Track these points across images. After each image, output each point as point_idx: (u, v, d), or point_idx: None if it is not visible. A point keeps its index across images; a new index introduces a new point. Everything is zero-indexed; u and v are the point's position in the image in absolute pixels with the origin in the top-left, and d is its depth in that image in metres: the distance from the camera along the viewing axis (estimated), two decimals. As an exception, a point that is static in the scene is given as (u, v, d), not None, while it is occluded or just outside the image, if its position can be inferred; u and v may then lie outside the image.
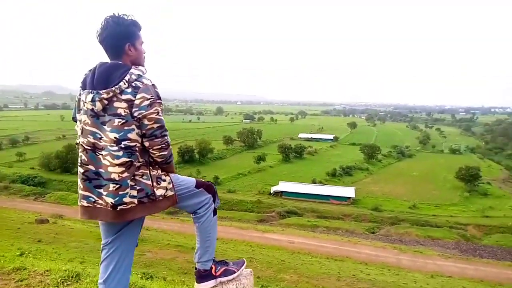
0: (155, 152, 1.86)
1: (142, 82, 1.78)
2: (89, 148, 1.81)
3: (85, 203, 1.84)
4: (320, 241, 24.10)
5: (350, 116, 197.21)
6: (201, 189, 2.10)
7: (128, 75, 1.77)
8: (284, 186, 42.96)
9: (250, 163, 53.97)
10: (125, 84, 1.75)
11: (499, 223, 34.07)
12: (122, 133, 1.76)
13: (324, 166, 55.25)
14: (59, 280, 2.80)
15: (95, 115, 1.78)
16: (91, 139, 1.80)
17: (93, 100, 1.74)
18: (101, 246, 1.97)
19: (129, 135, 1.77)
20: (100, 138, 1.78)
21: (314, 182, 46.19)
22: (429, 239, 29.86)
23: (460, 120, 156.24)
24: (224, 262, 2.28)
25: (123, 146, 1.77)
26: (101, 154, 1.78)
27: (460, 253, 25.94)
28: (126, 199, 1.79)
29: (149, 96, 1.77)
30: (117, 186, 1.77)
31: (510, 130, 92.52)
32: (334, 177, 49.94)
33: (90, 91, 1.78)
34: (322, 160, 61.67)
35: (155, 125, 1.81)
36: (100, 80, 1.78)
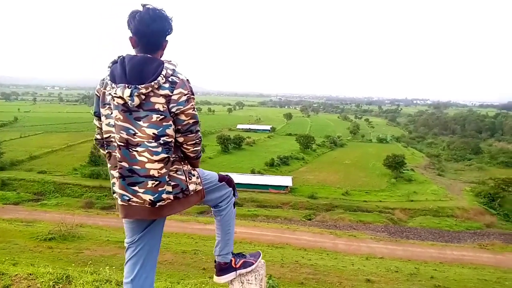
0: (189, 148, 1.89)
1: (178, 77, 1.76)
2: (122, 144, 1.74)
3: (120, 202, 1.82)
4: (261, 229, 24.57)
5: (286, 107, 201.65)
6: (223, 182, 2.15)
7: (164, 69, 1.73)
8: (223, 177, 42.91)
9: (188, 154, 53.17)
10: (162, 79, 1.71)
11: (422, 206, 37.05)
12: (161, 129, 1.73)
13: (262, 156, 56.12)
14: (50, 284, 2.64)
15: (127, 110, 1.71)
16: (124, 135, 1.73)
17: (131, 95, 1.66)
18: (126, 244, 1.96)
19: (167, 131, 1.75)
20: (134, 134, 1.72)
21: (253, 172, 46.74)
22: (361, 224, 31.73)
23: (386, 111, 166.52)
24: (241, 255, 2.33)
25: (162, 142, 1.74)
26: (136, 151, 1.73)
27: (389, 235, 27.88)
28: (164, 195, 1.80)
29: (186, 92, 1.76)
30: (157, 182, 1.76)
31: (430, 121, 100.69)
32: (272, 167, 50.91)
33: (126, 85, 1.68)
34: (260, 151, 62.54)
35: (191, 121, 1.83)
36: (134, 74, 1.71)
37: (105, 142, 1.85)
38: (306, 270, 12.24)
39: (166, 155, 1.76)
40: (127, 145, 1.73)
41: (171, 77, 1.74)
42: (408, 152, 66.22)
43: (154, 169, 1.74)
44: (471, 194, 42.03)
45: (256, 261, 2.32)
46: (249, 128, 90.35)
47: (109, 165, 1.86)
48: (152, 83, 1.69)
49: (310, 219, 33.07)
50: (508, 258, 18.96)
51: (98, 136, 1.93)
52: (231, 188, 2.19)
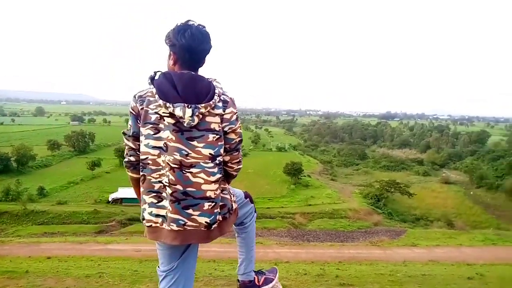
0: (233, 166, 1.88)
1: (228, 96, 1.77)
2: (176, 166, 1.67)
3: (175, 227, 1.71)
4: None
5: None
6: (247, 199, 2.16)
7: (216, 88, 1.73)
8: (123, 192, 40.26)
9: (83, 169, 49.19)
10: (217, 98, 1.71)
11: (319, 210, 39.55)
12: (216, 149, 1.71)
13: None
14: None
15: (179, 130, 1.66)
16: (178, 157, 1.66)
17: (192, 115, 1.63)
18: (164, 273, 1.87)
19: (221, 151, 1.74)
20: (187, 155, 1.67)
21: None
22: (266, 230, 32.63)
23: (283, 121, 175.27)
24: (261, 272, 2.36)
25: (217, 162, 1.72)
26: (190, 172, 1.68)
27: (291, 239, 29.15)
28: (218, 217, 1.77)
29: (235, 110, 1.78)
30: (213, 204, 1.72)
31: (322, 130, 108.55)
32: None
33: (186, 105, 1.63)
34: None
35: (238, 139, 1.84)
36: (189, 92, 1.67)
37: (141, 165, 1.75)
38: (221, 282, 12.10)
39: (220, 175, 1.74)
40: (181, 167, 1.67)
41: (222, 95, 1.74)
42: (305, 159, 70.34)
43: (210, 190, 1.71)
44: (360, 196, 46.20)
45: (275, 277, 2.37)
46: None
47: (142, 189, 1.77)
48: (210, 102, 1.67)
49: (216, 230, 32.97)
50: (395, 252, 21.28)
51: (132, 158, 1.82)
52: (253, 204, 2.24)
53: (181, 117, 1.63)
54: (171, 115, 1.64)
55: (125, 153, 1.83)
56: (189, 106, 1.63)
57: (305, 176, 54.27)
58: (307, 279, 13.72)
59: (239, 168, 1.91)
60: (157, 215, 1.74)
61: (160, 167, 1.69)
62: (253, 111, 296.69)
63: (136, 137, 1.76)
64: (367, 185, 51.00)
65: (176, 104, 1.62)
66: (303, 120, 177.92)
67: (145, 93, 1.72)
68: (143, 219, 1.78)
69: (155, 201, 1.73)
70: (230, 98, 1.77)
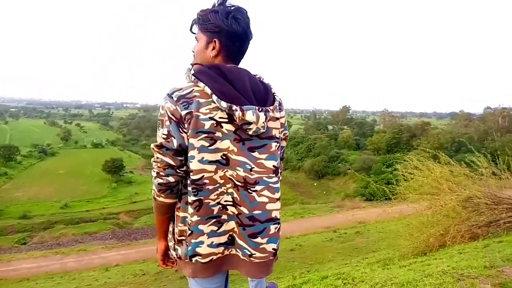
0: (280, 177, 1.55)
1: (279, 97, 1.48)
2: (240, 184, 1.37)
3: (240, 255, 1.44)
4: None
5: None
6: None
7: (272, 88, 1.46)
8: None
9: None
10: (277, 99, 1.44)
11: (145, 206, 38.62)
12: (278, 160, 1.43)
13: None
14: None
15: (240, 140, 1.35)
16: (241, 172, 1.36)
17: (264, 120, 1.33)
18: None
19: (280, 161, 1.47)
20: (251, 169, 1.36)
21: None
22: (87, 235, 30.08)
23: (97, 115, 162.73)
24: None
25: (279, 175, 1.45)
26: (255, 190, 1.38)
27: (118, 241, 27.67)
28: (279, 240, 1.49)
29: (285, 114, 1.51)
30: (278, 226, 1.45)
31: (142, 123, 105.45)
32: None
33: (259, 108, 1.32)
34: None
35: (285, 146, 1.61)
36: (252, 92, 1.36)
37: (192, 187, 1.34)
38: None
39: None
40: (246, 185, 1.37)
41: (277, 96, 1.47)
42: (125, 155, 67.40)
43: (276, 210, 1.43)
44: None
45: None
46: None
47: (195, 218, 1.37)
48: (276, 104, 1.41)
49: (25, 243, 28.55)
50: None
51: (172, 179, 1.37)
52: None
53: (247, 123, 1.31)
54: (230, 120, 1.33)
55: (158, 172, 1.38)
56: (260, 109, 1.33)
57: (127, 172, 52.05)
58: (146, 279, 13.42)
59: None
60: (219, 244, 1.41)
61: (218, 185, 1.37)
62: (59, 104, 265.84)
63: (179, 151, 1.35)
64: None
65: (245, 107, 1.30)
66: (120, 113, 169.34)
67: (190, 92, 1.33)
68: (196, 255, 1.39)
69: (215, 228, 1.39)
70: (280, 99, 1.50)
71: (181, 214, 1.42)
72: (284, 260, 12.12)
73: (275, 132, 1.42)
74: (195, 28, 1.48)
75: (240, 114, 1.28)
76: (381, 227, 15.30)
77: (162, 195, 1.40)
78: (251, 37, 1.45)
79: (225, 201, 1.39)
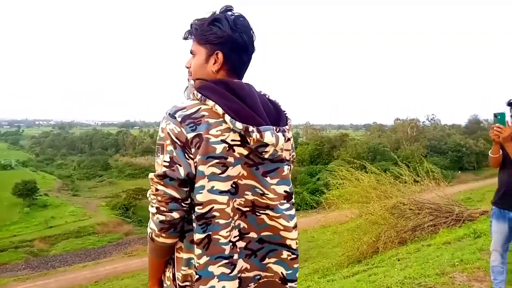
0: None
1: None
2: (248, 209, 1.24)
3: (251, 286, 1.26)
4: None
5: None
6: None
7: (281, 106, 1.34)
8: None
9: None
10: (289, 118, 1.30)
11: (63, 231, 35.87)
12: (290, 185, 1.28)
13: None
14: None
15: (253, 164, 1.21)
16: (249, 197, 1.23)
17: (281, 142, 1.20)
18: None
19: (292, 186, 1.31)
20: (262, 194, 1.23)
21: None
22: (-4, 267, 27.00)
23: (5, 133, 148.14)
24: None
25: (292, 201, 1.29)
26: (266, 214, 1.24)
27: (32, 270, 25.21)
28: (296, 275, 1.29)
29: None
30: (293, 256, 1.28)
31: (57, 141, 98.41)
32: None
33: (276, 128, 1.19)
34: None
35: None
36: (268, 111, 1.24)
37: (200, 222, 1.15)
38: None
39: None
40: (254, 209, 1.24)
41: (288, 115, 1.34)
42: (39, 176, 61.86)
43: (290, 238, 1.27)
44: (108, 208, 44.65)
45: None
46: None
47: (204, 260, 1.16)
48: (290, 124, 1.28)
49: None
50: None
51: (176, 215, 1.16)
52: None
53: (263, 145, 1.17)
54: (243, 143, 1.18)
55: (158, 207, 1.16)
56: (278, 129, 1.19)
57: (41, 195, 47.82)
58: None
59: None
60: None
61: (230, 219, 1.19)
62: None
63: (184, 182, 1.15)
64: (114, 196, 49.80)
65: (263, 127, 1.15)
66: (31, 132, 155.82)
67: (197, 112, 1.16)
68: None
69: (227, 271, 1.18)
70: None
71: (185, 255, 1.23)
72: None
73: (285, 154, 1.30)
74: (190, 41, 1.34)
75: (258, 136, 1.13)
76: (311, 236, 15.85)
77: (163, 235, 1.18)
78: (255, 49, 1.31)
79: (234, 237, 1.22)
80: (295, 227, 1.28)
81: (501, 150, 2.89)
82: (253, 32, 1.28)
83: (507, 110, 2.84)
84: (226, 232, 1.17)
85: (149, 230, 1.22)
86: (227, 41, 1.23)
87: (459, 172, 49.22)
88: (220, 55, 1.25)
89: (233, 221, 1.21)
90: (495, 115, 2.72)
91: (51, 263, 27.53)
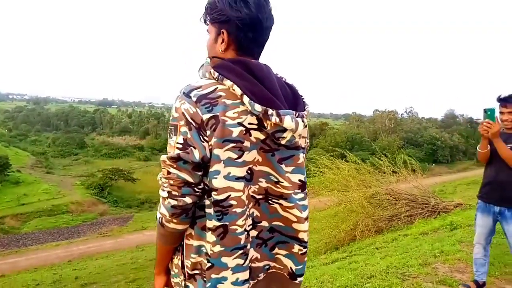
0: None
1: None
2: (261, 197, 1.18)
3: (261, 277, 1.22)
4: None
5: None
6: None
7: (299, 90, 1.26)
8: None
9: None
10: (307, 103, 1.24)
11: (36, 208, 35.16)
12: (305, 174, 1.23)
13: None
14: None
15: (269, 150, 1.15)
16: (263, 184, 1.17)
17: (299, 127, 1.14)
18: None
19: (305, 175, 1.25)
20: (277, 182, 1.18)
21: None
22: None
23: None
24: None
25: (306, 191, 1.24)
26: (279, 203, 1.19)
27: (3, 248, 24.69)
28: (304, 270, 1.27)
29: None
30: (304, 250, 1.24)
31: (31, 117, 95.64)
32: None
33: (296, 113, 1.13)
34: None
35: None
36: (285, 95, 1.18)
37: (215, 209, 1.10)
38: None
39: None
40: (267, 197, 1.19)
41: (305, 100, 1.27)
42: (12, 152, 60.12)
43: (302, 231, 1.22)
44: (82, 187, 43.93)
45: None
46: None
47: (218, 248, 1.10)
48: (308, 110, 1.21)
49: None
50: (127, 239, 21.58)
51: (189, 200, 1.10)
52: None
53: (280, 130, 1.11)
54: (259, 127, 1.11)
55: (170, 191, 1.09)
56: (297, 114, 1.13)
57: (14, 171, 46.54)
58: (41, 290, 12.16)
59: None
60: (244, 281, 1.15)
61: (245, 207, 1.13)
62: None
63: (199, 165, 1.09)
64: (89, 175, 48.94)
65: (282, 111, 1.09)
66: (5, 106, 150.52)
67: (213, 92, 1.10)
68: None
69: (241, 262, 1.13)
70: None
71: (195, 242, 1.17)
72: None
73: (301, 142, 1.23)
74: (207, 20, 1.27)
75: (277, 120, 1.07)
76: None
77: (174, 220, 1.12)
78: (270, 24, 1.21)
79: (248, 225, 1.17)
80: (307, 218, 1.25)
81: (489, 146, 2.95)
82: (264, 7, 1.17)
83: (497, 106, 2.88)
84: (242, 221, 1.12)
85: (158, 215, 1.16)
86: (229, 19, 1.16)
87: (433, 164, 50.53)
88: (225, 34, 1.19)
89: (247, 209, 1.15)
90: (485, 111, 2.75)
91: (22, 241, 27.01)
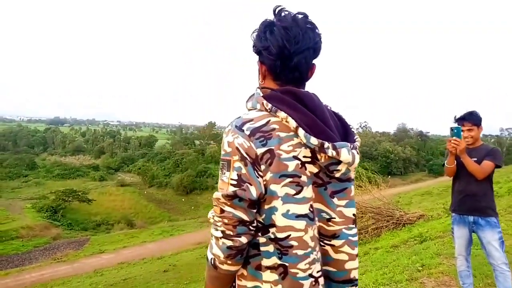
0: None
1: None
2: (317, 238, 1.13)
3: None
4: None
5: None
6: None
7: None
8: None
9: None
10: (356, 133, 1.18)
11: None
12: (355, 207, 1.16)
13: None
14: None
15: (321, 184, 1.08)
16: (316, 223, 1.11)
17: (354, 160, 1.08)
18: None
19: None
20: (329, 220, 1.10)
21: None
22: None
23: None
24: None
25: (357, 226, 1.17)
26: (331, 245, 1.11)
27: None
28: None
29: None
30: None
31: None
32: None
33: (351, 145, 1.08)
34: None
35: None
36: (337, 125, 1.14)
37: (275, 249, 1.04)
38: None
39: None
40: (319, 238, 1.11)
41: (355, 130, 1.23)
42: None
43: (355, 269, 1.14)
44: (33, 211, 41.60)
45: None
46: None
47: None
48: (359, 140, 1.15)
49: None
50: (84, 263, 20.44)
51: (244, 240, 1.03)
52: None
53: (334, 163, 1.05)
54: (313, 160, 1.05)
55: (224, 231, 1.03)
56: (352, 146, 1.08)
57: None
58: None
59: None
60: None
61: (310, 249, 1.05)
62: None
63: (254, 203, 1.03)
64: (41, 197, 46.57)
65: (338, 144, 1.03)
66: None
67: (266, 125, 1.04)
68: None
69: None
70: None
71: (249, 283, 1.08)
72: (158, 282, 11.67)
73: (352, 173, 1.16)
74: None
75: (334, 154, 1.02)
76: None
77: (229, 262, 1.04)
78: (302, 48, 1.11)
79: (317, 271, 1.08)
80: (357, 255, 1.17)
81: (455, 161, 3.14)
82: (290, 30, 1.09)
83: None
84: (306, 265, 1.04)
85: (210, 256, 1.09)
86: (259, 50, 1.16)
87: (389, 176, 52.51)
88: (260, 64, 1.19)
89: (314, 252, 1.07)
90: (452, 129, 2.96)
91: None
